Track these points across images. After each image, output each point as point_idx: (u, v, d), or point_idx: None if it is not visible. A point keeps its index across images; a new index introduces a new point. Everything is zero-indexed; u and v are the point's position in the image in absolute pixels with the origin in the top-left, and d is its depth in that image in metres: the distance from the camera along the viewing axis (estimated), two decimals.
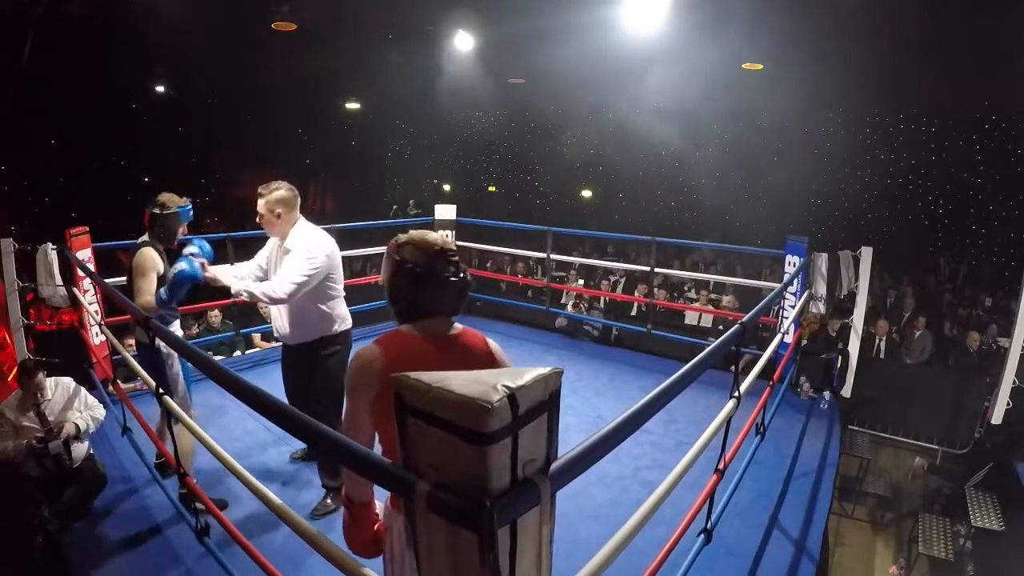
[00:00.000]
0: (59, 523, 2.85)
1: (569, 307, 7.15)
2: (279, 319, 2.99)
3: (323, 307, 2.92)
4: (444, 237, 1.62)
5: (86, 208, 8.96)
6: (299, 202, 2.96)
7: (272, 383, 4.49)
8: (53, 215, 10.07)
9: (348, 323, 3.05)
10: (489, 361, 1.56)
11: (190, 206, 3.07)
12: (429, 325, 1.54)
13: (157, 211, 2.96)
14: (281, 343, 3.13)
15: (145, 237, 2.97)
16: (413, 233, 1.59)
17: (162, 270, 2.89)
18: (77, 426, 3.08)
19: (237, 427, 3.82)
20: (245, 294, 2.76)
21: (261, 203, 2.86)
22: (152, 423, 3.01)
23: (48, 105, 10.12)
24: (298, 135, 14.23)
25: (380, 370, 1.44)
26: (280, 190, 2.86)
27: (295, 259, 2.79)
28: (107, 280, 3.62)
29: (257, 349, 5.86)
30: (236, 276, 3.01)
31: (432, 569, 1.03)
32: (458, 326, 1.59)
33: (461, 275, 1.57)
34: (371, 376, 1.45)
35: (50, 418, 3.07)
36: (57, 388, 3.18)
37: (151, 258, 2.87)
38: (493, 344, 1.62)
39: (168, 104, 12.12)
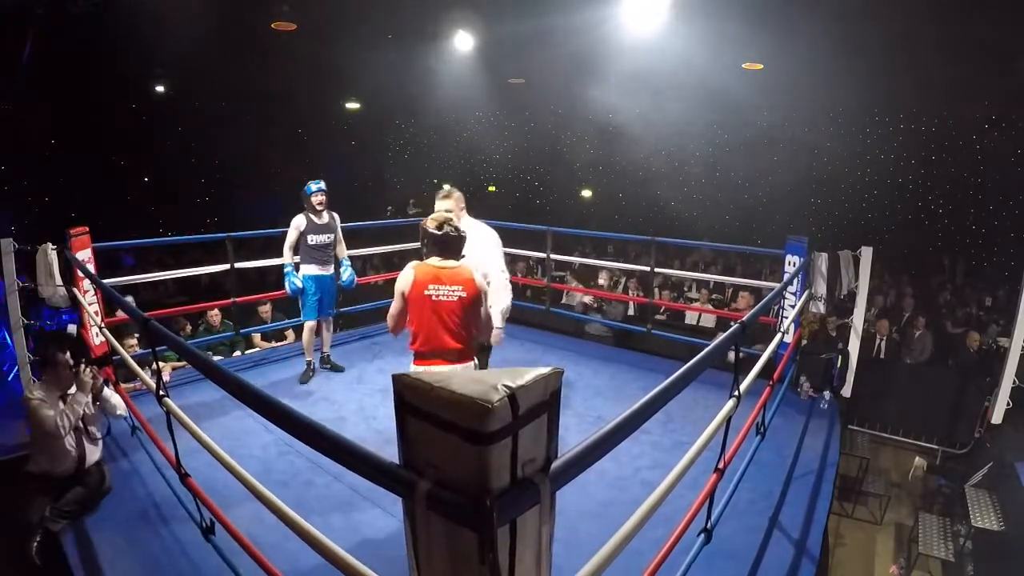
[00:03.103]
0: (60, 523, 2.85)
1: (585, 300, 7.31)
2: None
3: None
4: (448, 214, 2.78)
5: (86, 208, 8.95)
6: (463, 202, 3.42)
7: (272, 383, 4.51)
8: (53, 215, 10.06)
9: None
10: (469, 283, 2.66)
11: (310, 185, 4.52)
12: (439, 260, 2.67)
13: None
14: None
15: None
16: (435, 214, 2.75)
17: (303, 228, 4.42)
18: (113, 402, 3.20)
19: (236, 425, 3.82)
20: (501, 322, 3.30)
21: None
22: (152, 423, 3.00)
23: (48, 105, 10.11)
24: (298, 135, 14.20)
25: (412, 277, 2.64)
26: (448, 199, 3.30)
27: (488, 259, 3.22)
28: (106, 280, 3.61)
29: (257, 349, 5.85)
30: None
31: (431, 568, 1.03)
32: (456, 263, 2.70)
33: (455, 233, 2.67)
34: (407, 281, 2.64)
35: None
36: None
37: (295, 220, 4.43)
38: (478, 276, 2.73)
39: (168, 104, 12.09)
